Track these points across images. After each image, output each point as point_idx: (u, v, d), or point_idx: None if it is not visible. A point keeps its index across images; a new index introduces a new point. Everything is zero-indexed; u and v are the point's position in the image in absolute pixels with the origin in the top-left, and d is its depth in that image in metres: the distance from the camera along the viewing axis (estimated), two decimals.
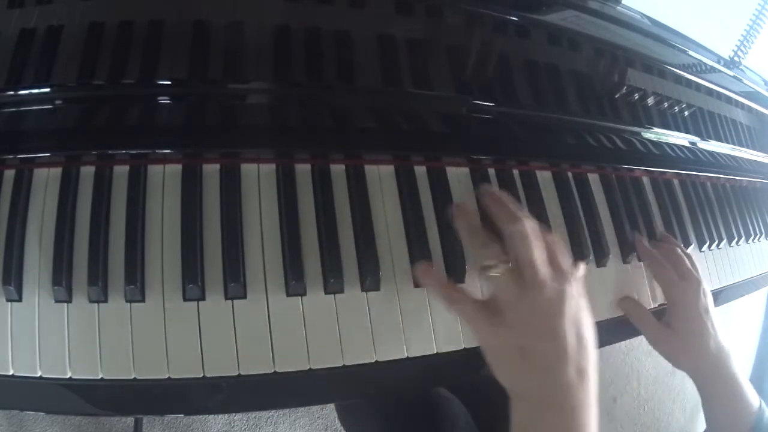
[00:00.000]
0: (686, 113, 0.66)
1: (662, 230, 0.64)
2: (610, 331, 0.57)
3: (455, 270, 0.47)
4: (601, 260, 0.56)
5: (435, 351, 0.45)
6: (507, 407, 0.42)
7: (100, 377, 0.38)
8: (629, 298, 0.57)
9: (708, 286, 0.59)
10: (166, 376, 0.39)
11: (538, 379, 0.40)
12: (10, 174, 0.42)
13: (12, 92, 0.41)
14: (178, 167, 0.44)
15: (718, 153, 0.75)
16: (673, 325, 0.56)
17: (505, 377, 0.42)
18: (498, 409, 0.44)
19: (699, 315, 0.56)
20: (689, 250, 0.67)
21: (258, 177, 0.45)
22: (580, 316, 0.42)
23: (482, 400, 0.69)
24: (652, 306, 0.59)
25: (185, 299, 0.41)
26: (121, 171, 0.43)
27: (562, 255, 0.44)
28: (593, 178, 0.60)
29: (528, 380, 0.40)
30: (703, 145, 0.70)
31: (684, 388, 1.90)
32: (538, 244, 0.42)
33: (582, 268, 0.46)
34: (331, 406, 1.17)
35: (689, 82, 0.64)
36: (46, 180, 0.42)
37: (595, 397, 0.41)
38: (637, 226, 0.60)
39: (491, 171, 0.54)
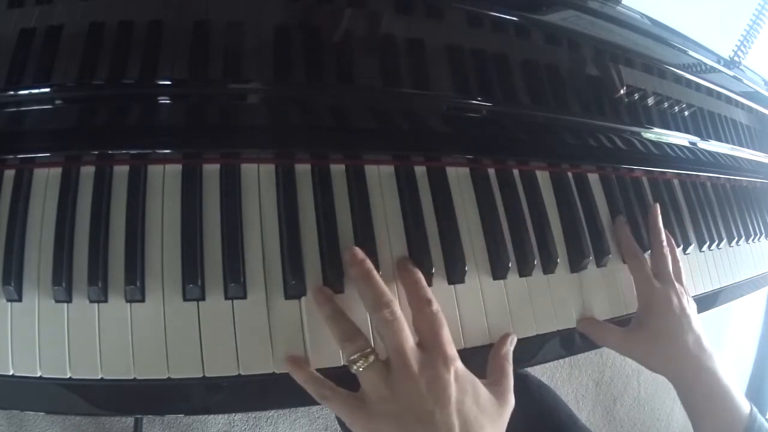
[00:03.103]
0: (686, 113, 0.66)
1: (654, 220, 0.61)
2: None
3: (455, 270, 0.47)
4: (601, 260, 0.56)
5: None
6: None
7: (100, 377, 0.38)
8: (584, 318, 0.54)
9: (690, 289, 0.56)
10: (166, 376, 0.39)
11: None
12: (10, 174, 0.42)
13: (12, 92, 0.41)
14: (178, 167, 0.44)
15: (718, 153, 0.75)
16: (644, 321, 0.53)
17: None
18: None
19: (672, 312, 0.52)
20: (689, 250, 0.67)
21: (258, 177, 0.45)
22: (464, 400, 0.38)
23: None
24: None
25: (185, 299, 0.41)
26: (121, 171, 0.43)
27: (444, 335, 0.40)
28: (593, 178, 0.60)
29: None
30: (703, 145, 0.70)
31: None
32: (408, 327, 0.40)
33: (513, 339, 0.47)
34: None
35: (689, 82, 0.64)
36: (46, 180, 0.42)
37: None
38: (637, 227, 0.60)
39: (491, 171, 0.54)
